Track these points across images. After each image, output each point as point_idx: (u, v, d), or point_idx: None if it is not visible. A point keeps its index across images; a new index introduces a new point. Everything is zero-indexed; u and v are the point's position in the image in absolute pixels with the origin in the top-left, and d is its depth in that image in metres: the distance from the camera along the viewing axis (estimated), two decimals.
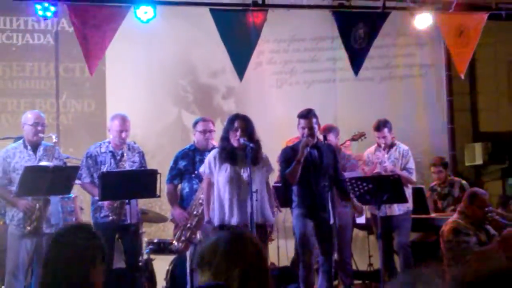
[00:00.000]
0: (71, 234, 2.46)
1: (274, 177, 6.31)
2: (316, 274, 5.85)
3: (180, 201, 6.14)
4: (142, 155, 6.18)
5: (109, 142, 6.10)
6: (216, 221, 5.47)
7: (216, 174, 5.50)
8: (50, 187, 5.60)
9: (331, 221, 5.76)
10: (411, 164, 6.78)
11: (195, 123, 6.28)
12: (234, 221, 5.38)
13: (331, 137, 6.81)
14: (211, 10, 7.15)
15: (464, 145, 9.31)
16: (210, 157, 5.59)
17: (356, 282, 7.46)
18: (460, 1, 7.61)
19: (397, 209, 6.62)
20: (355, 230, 7.53)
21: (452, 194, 7.32)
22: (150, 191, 5.70)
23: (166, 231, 7.36)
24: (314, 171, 5.75)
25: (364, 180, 6.23)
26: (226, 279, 2.29)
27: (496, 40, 9.29)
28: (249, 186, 5.30)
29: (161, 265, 6.71)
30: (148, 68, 8.36)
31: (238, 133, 5.43)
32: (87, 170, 6.02)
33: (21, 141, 6.02)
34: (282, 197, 6.40)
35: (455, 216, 5.39)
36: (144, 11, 7.09)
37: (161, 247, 6.59)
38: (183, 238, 5.93)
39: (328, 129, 6.88)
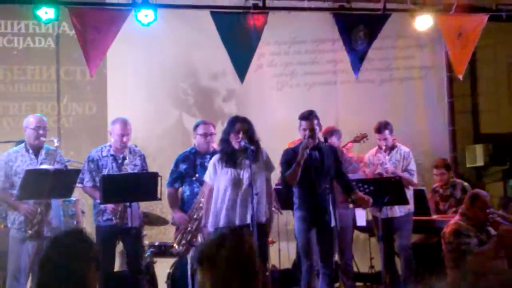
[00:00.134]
0: (66, 239, 2.47)
1: (275, 179, 6.32)
2: (317, 277, 5.85)
3: (181, 204, 6.14)
4: (143, 158, 6.19)
5: (110, 146, 6.11)
6: (210, 226, 5.47)
7: (218, 178, 5.52)
8: (51, 190, 5.61)
9: (332, 224, 5.77)
10: (412, 166, 6.79)
11: (196, 126, 6.28)
12: (236, 222, 5.39)
13: (333, 140, 6.82)
14: (211, 13, 7.17)
15: (465, 147, 9.31)
16: (213, 163, 5.59)
17: (357, 284, 7.46)
18: (461, 3, 7.62)
19: (398, 211, 6.61)
20: (356, 232, 7.53)
21: (454, 196, 7.32)
22: (151, 194, 5.71)
23: (167, 234, 7.36)
24: (315, 173, 5.75)
25: (365, 182, 6.24)
26: (225, 278, 2.31)
27: (496, 42, 9.29)
28: (250, 188, 5.31)
29: (162, 268, 6.71)
30: (149, 71, 8.37)
31: (240, 135, 5.45)
32: (89, 174, 6.03)
33: (23, 144, 6.03)
34: (283, 199, 6.41)
35: (456, 218, 5.40)
36: (145, 14, 7.09)
37: (162, 250, 6.59)
38: (184, 241, 5.94)
39: (331, 132, 6.89)
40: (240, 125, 5.54)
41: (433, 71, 9.09)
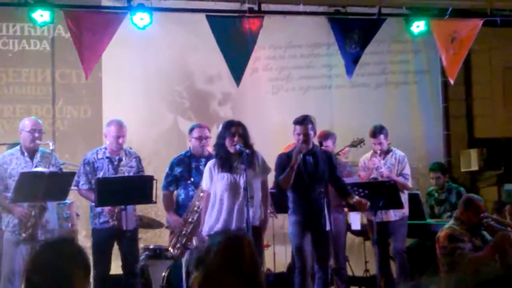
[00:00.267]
0: (54, 245, 2.48)
1: (270, 183, 6.32)
2: (312, 281, 5.85)
3: (176, 207, 6.14)
4: (139, 160, 6.19)
5: (106, 148, 6.11)
6: (206, 231, 5.47)
7: (214, 183, 5.52)
8: (46, 193, 5.60)
9: (327, 228, 5.78)
10: (407, 170, 6.81)
11: (191, 130, 6.29)
12: (232, 227, 5.39)
13: (328, 143, 6.84)
14: (207, 16, 7.17)
15: (459, 151, 9.33)
16: (209, 168, 5.58)
17: (352, 287, 7.47)
18: (456, 8, 7.65)
19: (393, 215, 6.63)
20: (351, 236, 7.54)
21: (449, 200, 7.34)
22: (146, 197, 5.71)
23: (162, 237, 7.36)
24: (309, 177, 5.77)
25: (360, 186, 6.26)
26: (217, 279, 2.30)
27: (491, 47, 9.32)
28: (246, 192, 5.32)
29: (157, 271, 6.70)
30: (145, 74, 8.37)
31: (236, 139, 5.45)
32: (85, 177, 6.02)
33: (18, 147, 6.02)
34: (277, 203, 6.41)
35: (450, 222, 5.41)
36: (141, 18, 7.09)
37: (157, 253, 6.59)
38: (178, 244, 5.93)
39: (326, 135, 6.90)
40: (235, 129, 5.54)
41: (428, 76, 9.12)
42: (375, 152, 6.84)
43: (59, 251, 2.40)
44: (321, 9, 8.10)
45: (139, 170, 6.13)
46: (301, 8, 7.50)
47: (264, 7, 7.46)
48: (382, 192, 6.21)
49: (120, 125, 6.06)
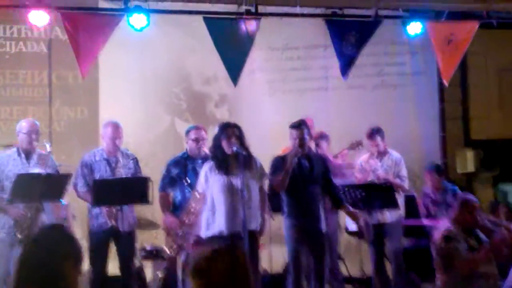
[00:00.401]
0: (45, 234, 2.49)
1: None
2: (308, 282, 5.87)
3: (173, 209, 6.15)
4: (136, 161, 6.22)
5: (103, 150, 6.14)
6: (202, 234, 5.47)
7: (210, 185, 5.53)
8: (42, 194, 5.62)
9: (324, 230, 5.80)
10: (404, 172, 6.83)
11: (188, 131, 6.31)
12: (228, 229, 5.40)
13: (323, 144, 6.86)
14: (204, 18, 7.17)
15: (455, 153, 9.35)
16: (204, 172, 5.59)
17: (347, 287, 7.48)
18: (452, 10, 7.67)
19: (389, 216, 6.65)
20: (347, 237, 7.56)
21: (445, 200, 7.35)
22: (142, 198, 5.73)
23: (158, 238, 7.36)
24: (304, 181, 5.79)
25: (357, 188, 6.28)
26: None
27: (487, 49, 9.35)
28: (242, 193, 5.33)
29: (153, 271, 6.71)
30: (141, 75, 8.37)
31: (233, 140, 5.47)
32: (83, 179, 6.05)
33: (15, 149, 6.04)
34: (270, 204, 6.43)
35: (446, 222, 5.43)
36: (138, 19, 7.10)
37: (153, 254, 6.60)
38: (174, 245, 5.94)
39: (320, 136, 6.91)
40: (232, 130, 5.57)
41: (425, 78, 9.14)
42: (371, 154, 6.86)
43: (47, 242, 2.41)
44: (318, 11, 8.11)
45: (136, 171, 6.15)
46: (298, 10, 7.51)
47: (261, 9, 7.47)
48: (378, 194, 6.23)
49: (116, 127, 6.10)
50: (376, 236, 6.48)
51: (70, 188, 6.03)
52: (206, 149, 6.08)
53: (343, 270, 7.48)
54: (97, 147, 6.37)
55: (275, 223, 7.04)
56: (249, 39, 7.26)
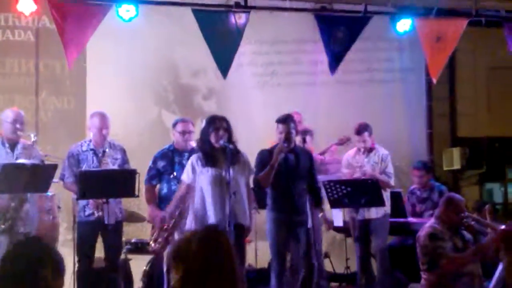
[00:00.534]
0: (22, 245, 2.48)
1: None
2: (294, 278, 5.87)
3: (159, 201, 6.12)
4: (124, 152, 6.20)
5: (90, 141, 6.12)
6: (188, 226, 5.46)
7: (198, 178, 5.50)
8: (27, 185, 5.57)
9: (310, 225, 5.81)
10: (390, 169, 6.83)
11: (175, 124, 6.28)
12: (216, 221, 5.38)
13: (308, 139, 6.85)
14: (193, 10, 7.13)
15: (442, 150, 9.39)
16: (191, 162, 5.56)
17: (332, 284, 7.50)
18: (441, 7, 7.67)
19: (375, 213, 6.65)
20: (333, 233, 7.57)
21: (431, 198, 7.37)
22: (128, 191, 5.70)
23: (144, 231, 7.33)
24: (290, 176, 5.79)
25: (342, 184, 6.27)
26: (199, 274, 2.30)
27: (476, 47, 9.38)
28: (229, 186, 5.31)
29: (138, 265, 6.69)
30: (129, 66, 8.32)
31: (221, 133, 5.45)
32: (69, 170, 6.02)
33: None
34: (256, 199, 6.42)
35: (431, 221, 5.44)
36: (126, 10, 7.03)
37: (139, 247, 6.58)
38: (160, 239, 5.91)
39: (305, 132, 6.90)
40: (219, 123, 5.55)
41: (413, 74, 9.16)
42: (358, 149, 6.86)
43: (27, 253, 2.40)
44: (307, 5, 8.08)
45: (124, 162, 6.14)
46: (287, 4, 7.49)
47: (251, 2, 7.43)
48: (364, 190, 6.23)
49: (103, 117, 6.09)
50: (362, 232, 6.49)
51: (56, 179, 5.99)
52: (193, 143, 6.05)
53: (329, 267, 7.50)
54: (84, 138, 6.33)
55: (261, 217, 7.04)
56: (239, 32, 7.23)
